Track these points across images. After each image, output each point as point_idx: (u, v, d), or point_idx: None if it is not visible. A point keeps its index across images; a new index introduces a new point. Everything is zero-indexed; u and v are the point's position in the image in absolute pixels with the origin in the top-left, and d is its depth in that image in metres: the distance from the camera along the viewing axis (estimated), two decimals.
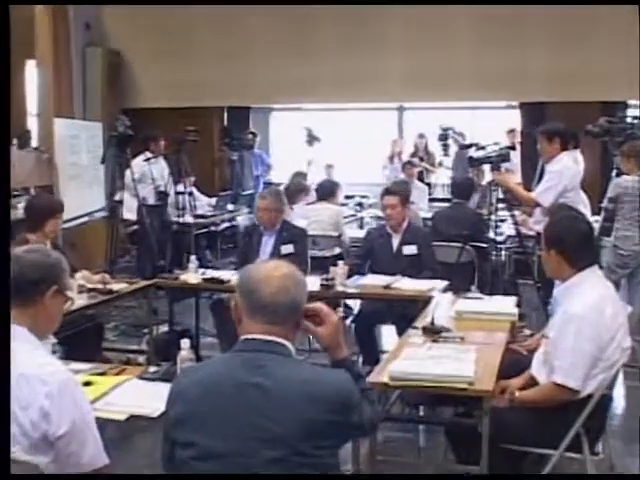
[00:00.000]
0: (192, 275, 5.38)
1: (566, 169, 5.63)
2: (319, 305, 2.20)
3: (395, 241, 5.51)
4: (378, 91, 9.65)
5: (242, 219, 8.54)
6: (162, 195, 7.89)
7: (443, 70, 9.23)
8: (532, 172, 8.16)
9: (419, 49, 9.28)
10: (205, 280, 5.32)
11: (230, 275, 5.33)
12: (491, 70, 9.06)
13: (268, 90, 9.97)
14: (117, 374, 3.20)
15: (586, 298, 3.11)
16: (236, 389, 1.96)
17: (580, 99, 8.49)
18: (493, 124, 10.94)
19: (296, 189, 7.51)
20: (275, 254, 5.37)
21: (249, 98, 10.42)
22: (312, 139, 10.86)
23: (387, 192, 5.63)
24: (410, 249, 5.44)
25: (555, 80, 8.84)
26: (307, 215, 7.29)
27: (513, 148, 6.77)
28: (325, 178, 9.09)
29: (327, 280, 4.99)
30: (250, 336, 2.05)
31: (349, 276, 5.18)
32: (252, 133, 10.63)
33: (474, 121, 10.98)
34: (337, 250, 6.89)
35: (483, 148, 6.05)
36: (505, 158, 5.85)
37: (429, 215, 7.64)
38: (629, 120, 6.37)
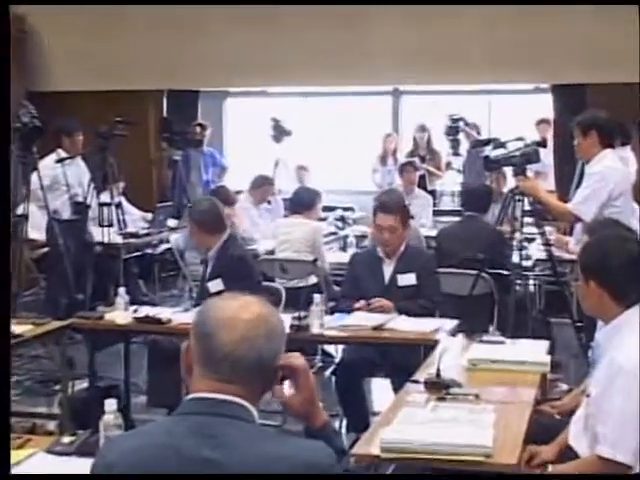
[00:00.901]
0: (120, 313, 5.36)
1: (611, 170, 5.65)
2: (293, 360, 2.18)
3: (388, 268, 5.49)
4: (366, 70, 9.71)
5: (176, 239, 8.42)
6: (80, 207, 7.87)
7: (450, 43, 9.31)
8: (569, 176, 8.25)
9: (419, 17, 9.36)
10: (138, 320, 5.30)
11: (170, 313, 5.33)
12: (512, 43, 9.14)
13: (222, 69, 10.01)
14: (19, 447, 3.17)
15: (637, 344, 3.14)
16: (182, 466, 1.94)
17: (630, 80, 8.58)
18: (516, 113, 11.06)
19: (220, 199, 7.52)
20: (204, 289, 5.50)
21: (197, 79, 10.44)
22: (280, 133, 10.90)
23: (383, 209, 5.52)
24: (407, 279, 5.43)
25: (597, 56, 8.94)
26: (275, 233, 7.31)
27: (544, 145, 6.81)
28: (300, 186, 9.09)
29: (299, 319, 4.99)
30: (200, 395, 2.04)
31: (330, 313, 5.20)
32: (200, 125, 10.66)
33: (492, 110, 11.07)
34: (313, 279, 6.90)
35: (503, 145, 6.10)
36: (532, 158, 5.90)
37: (433, 233, 7.69)
38: None
